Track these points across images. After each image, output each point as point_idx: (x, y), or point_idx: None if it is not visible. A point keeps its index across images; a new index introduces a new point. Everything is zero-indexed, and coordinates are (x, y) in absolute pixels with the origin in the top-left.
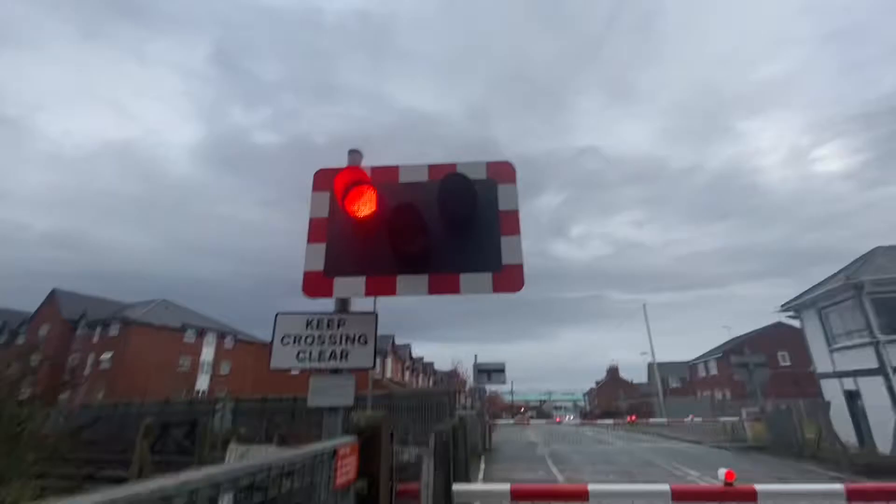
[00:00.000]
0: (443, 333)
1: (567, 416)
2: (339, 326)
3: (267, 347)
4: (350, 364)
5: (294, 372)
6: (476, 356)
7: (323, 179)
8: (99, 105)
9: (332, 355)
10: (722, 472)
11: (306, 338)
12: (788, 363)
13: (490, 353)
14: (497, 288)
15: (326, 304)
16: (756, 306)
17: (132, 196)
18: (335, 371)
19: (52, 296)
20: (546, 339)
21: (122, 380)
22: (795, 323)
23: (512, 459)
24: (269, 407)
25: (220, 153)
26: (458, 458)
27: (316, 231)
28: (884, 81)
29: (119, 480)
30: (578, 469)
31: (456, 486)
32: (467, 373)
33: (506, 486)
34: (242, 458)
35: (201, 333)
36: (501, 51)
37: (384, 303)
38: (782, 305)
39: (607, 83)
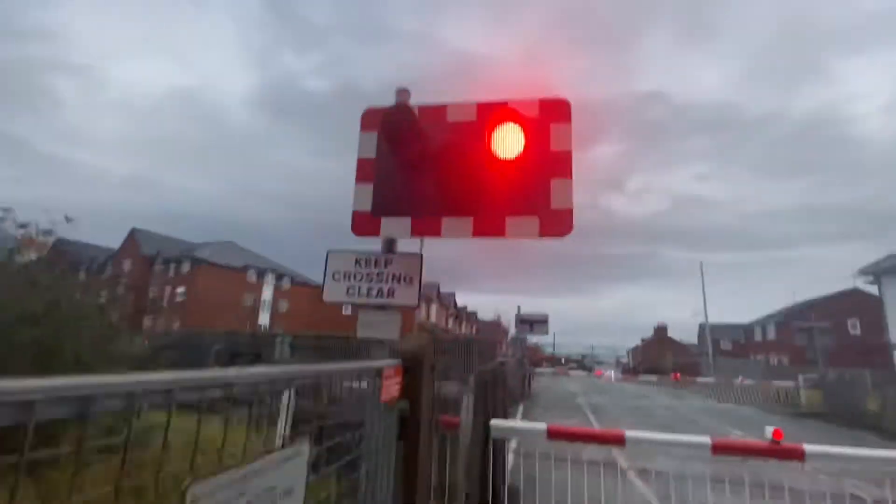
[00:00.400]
0: (487, 285)
1: (608, 371)
2: (385, 265)
3: (319, 289)
4: (395, 301)
5: (346, 311)
6: (519, 307)
7: (371, 119)
8: (161, 54)
9: (379, 292)
10: (769, 429)
11: (355, 275)
12: (859, 331)
13: (533, 306)
14: (543, 232)
15: (374, 245)
16: (828, 271)
17: (195, 143)
18: (381, 307)
19: (132, 234)
20: (592, 295)
21: (194, 312)
22: (874, 289)
23: (550, 407)
24: (322, 343)
25: (273, 100)
26: (497, 397)
27: (363, 171)
28: None
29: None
30: (617, 421)
31: (494, 422)
32: (509, 323)
33: (542, 425)
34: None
35: (261, 274)
36: None
37: (430, 251)
38: (860, 270)
39: (680, 18)
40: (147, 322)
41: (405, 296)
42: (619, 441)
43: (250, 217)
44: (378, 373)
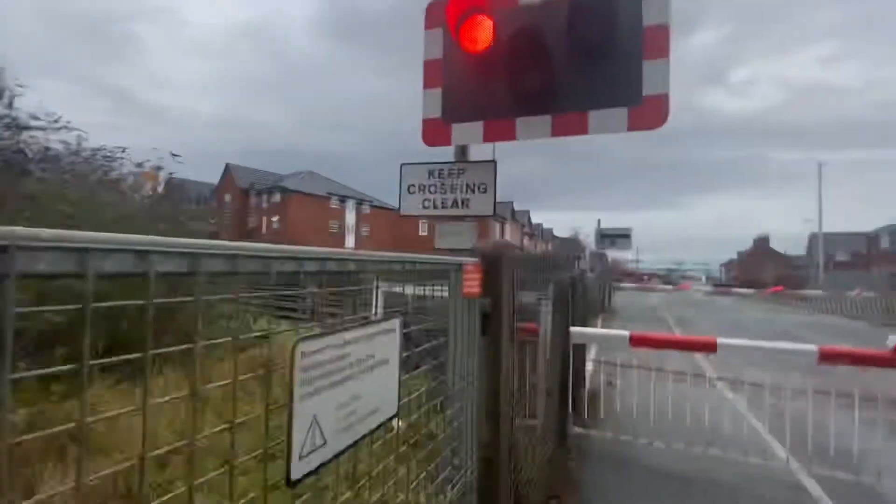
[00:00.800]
0: (563, 202)
1: (697, 284)
2: (459, 175)
3: (397, 212)
4: (471, 210)
5: (422, 231)
6: (599, 221)
7: (435, 13)
8: None
9: (454, 203)
10: (893, 338)
11: (429, 186)
12: None
13: (614, 222)
14: (634, 125)
15: (447, 155)
16: None
17: (267, 77)
18: (458, 217)
19: (227, 170)
20: (680, 208)
21: (290, 238)
22: None
23: (631, 319)
24: None
25: (335, 24)
26: (577, 306)
27: (431, 74)
28: None
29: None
30: (703, 333)
31: (574, 329)
32: (588, 239)
33: (624, 332)
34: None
35: (343, 200)
36: None
37: (504, 170)
38: None
39: None
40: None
41: (480, 205)
42: (710, 348)
43: (325, 146)
44: (458, 268)
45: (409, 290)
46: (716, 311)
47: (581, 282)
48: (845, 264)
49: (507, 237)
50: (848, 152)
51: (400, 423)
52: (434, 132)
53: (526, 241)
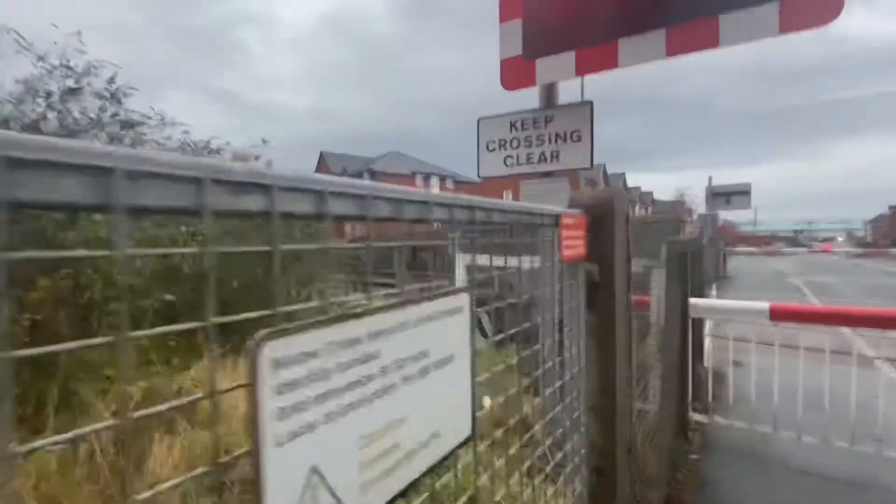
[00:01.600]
0: (662, 162)
1: (839, 247)
2: (546, 124)
3: (481, 186)
4: (562, 164)
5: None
6: (710, 178)
7: None
8: None
9: (542, 157)
10: None
11: (512, 141)
12: None
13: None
14: (788, 24)
15: (532, 101)
16: None
17: (352, 64)
18: (546, 174)
19: (322, 157)
20: (810, 159)
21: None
22: None
23: (753, 288)
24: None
25: (414, 3)
26: (694, 272)
27: (508, 3)
28: None
29: (386, 286)
30: (854, 302)
31: (693, 300)
32: (696, 201)
33: (763, 304)
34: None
35: (427, 178)
36: None
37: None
38: None
39: None
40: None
41: (574, 156)
42: (891, 323)
43: (409, 126)
44: (555, 220)
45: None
46: (864, 276)
47: (698, 244)
48: None
49: None
50: None
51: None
52: (515, 73)
53: None
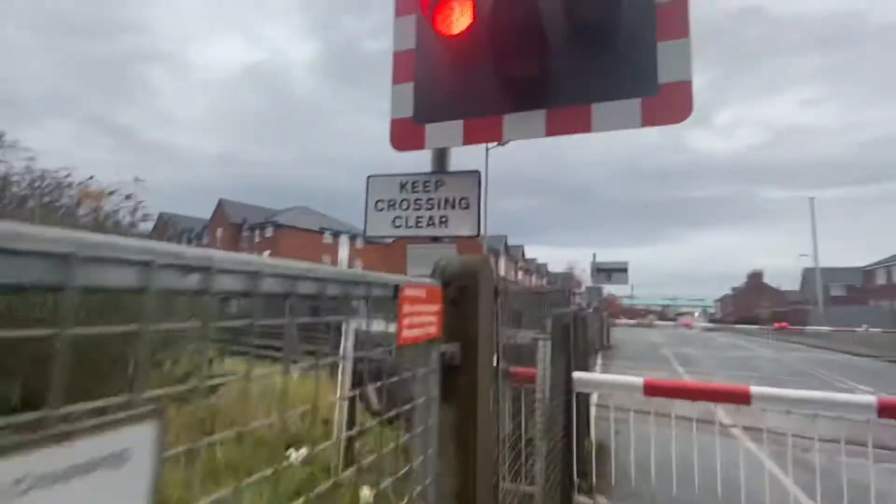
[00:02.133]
0: (556, 237)
1: (696, 321)
2: (436, 188)
3: (390, 246)
4: (450, 230)
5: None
6: (595, 255)
7: (408, 0)
8: (232, 32)
9: (430, 221)
10: None
11: (401, 202)
12: None
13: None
14: (649, 119)
15: (423, 164)
16: None
17: (268, 115)
18: (434, 239)
19: (220, 205)
20: (674, 243)
21: None
22: None
23: (632, 358)
24: None
25: (336, 65)
26: (579, 345)
27: (401, 67)
28: None
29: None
30: (711, 373)
31: (577, 374)
32: (583, 274)
33: (637, 379)
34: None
35: (336, 235)
36: None
37: (497, 205)
38: None
39: None
40: None
41: (461, 223)
42: (742, 398)
43: (323, 183)
44: (395, 293)
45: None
46: (719, 349)
47: (581, 317)
48: (840, 299)
49: (502, 272)
50: (831, 190)
51: None
52: (404, 135)
53: (520, 275)
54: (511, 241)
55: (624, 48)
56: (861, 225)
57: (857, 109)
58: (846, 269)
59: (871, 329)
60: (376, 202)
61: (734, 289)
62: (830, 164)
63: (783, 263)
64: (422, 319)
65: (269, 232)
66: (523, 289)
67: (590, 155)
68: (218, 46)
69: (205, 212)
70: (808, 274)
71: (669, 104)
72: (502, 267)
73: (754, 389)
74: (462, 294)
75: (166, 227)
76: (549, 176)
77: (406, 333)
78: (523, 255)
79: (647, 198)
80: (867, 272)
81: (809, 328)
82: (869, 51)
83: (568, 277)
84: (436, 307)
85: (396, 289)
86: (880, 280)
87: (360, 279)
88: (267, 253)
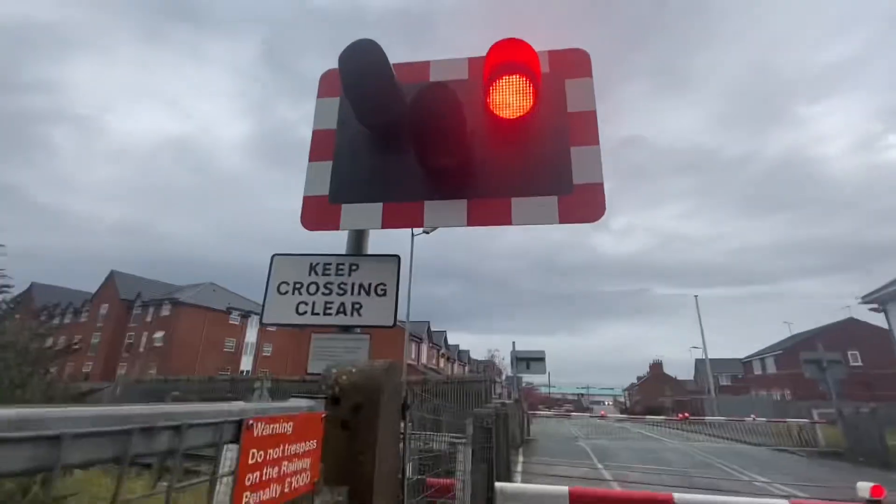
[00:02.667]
0: (477, 324)
1: (609, 412)
2: (350, 272)
3: (307, 331)
4: (364, 320)
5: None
6: (514, 343)
7: (332, 83)
8: (159, 103)
9: (342, 308)
10: (864, 486)
11: (309, 286)
12: (860, 363)
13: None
14: (566, 216)
15: (337, 246)
16: (814, 303)
17: (187, 188)
18: (345, 328)
19: (111, 277)
20: (584, 334)
21: (174, 358)
22: (873, 319)
23: (552, 453)
24: (306, 387)
25: (268, 147)
26: (501, 449)
27: (320, 146)
28: None
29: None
30: (627, 467)
31: (500, 485)
32: (504, 362)
33: (563, 489)
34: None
35: (246, 316)
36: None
37: (421, 291)
38: (863, 297)
39: (656, 68)
40: (121, 368)
41: (377, 312)
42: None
43: (240, 260)
44: (237, 431)
45: None
46: (632, 440)
47: (504, 414)
48: (727, 388)
49: (423, 360)
50: (710, 290)
51: None
52: (317, 213)
53: (443, 363)
54: (434, 327)
55: (542, 149)
56: (736, 320)
57: (720, 223)
58: (730, 360)
59: (757, 418)
60: (279, 284)
61: (639, 378)
62: (704, 267)
63: (678, 354)
64: (285, 468)
65: (165, 310)
66: (444, 379)
67: (509, 246)
68: (142, 116)
69: (92, 283)
70: (699, 364)
71: (584, 203)
72: (424, 354)
73: (677, 497)
74: (357, 415)
75: (32, 299)
76: (471, 264)
77: (244, 485)
78: (446, 341)
79: (561, 290)
80: (745, 363)
81: (708, 418)
82: (725, 176)
83: (490, 366)
84: (311, 442)
85: (239, 426)
86: (757, 370)
87: (164, 418)
88: (159, 335)
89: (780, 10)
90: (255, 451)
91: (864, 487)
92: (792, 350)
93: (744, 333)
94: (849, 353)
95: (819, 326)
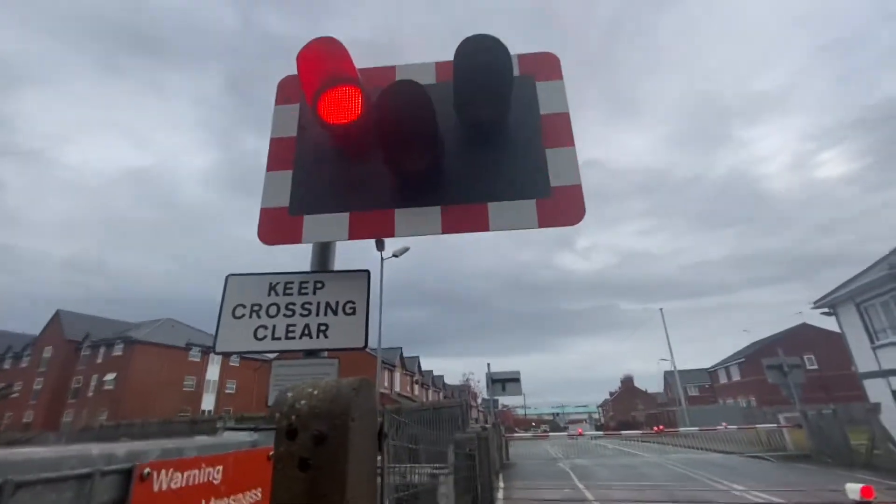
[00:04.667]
0: (450, 348)
1: (586, 430)
2: (315, 291)
3: (269, 365)
4: (331, 342)
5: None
6: (489, 364)
7: (291, 88)
8: (117, 136)
9: (306, 331)
10: (853, 487)
11: (269, 307)
12: (816, 366)
13: (500, 367)
14: (545, 220)
15: (301, 262)
16: (770, 311)
17: (146, 221)
18: (310, 353)
19: (56, 317)
20: (557, 351)
21: (127, 400)
22: (824, 323)
23: (533, 476)
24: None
25: (233, 178)
26: (484, 477)
27: (278, 154)
28: (881, 86)
29: None
30: (608, 485)
31: None
32: (479, 385)
33: None
34: None
35: (207, 352)
36: None
37: (390, 317)
38: (815, 302)
39: (608, 96)
40: (67, 416)
41: (346, 333)
42: None
43: (202, 294)
44: (125, 482)
45: None
46: (609, 457)
47: (485, 439)
48: (695, 398)
49: (397, 387)
50: (671, 303)
51: None
52: (277, 227)
53: (416, 389)
54: (406, 353)
55: (517, 152)
56: (698, 332)
57: (676, 239)
58: (696, 370)
59: (728, 427)
60: (235, 308)
61: (611, 393)
62: (666, 281)
63: (648, 367)
64: None
65: (118, 350)
66: (420, 405)
67: (479, 268)
68: (98, 149)
69: (35, 323)
70: (668, 377)
71: (563, 206)
72: (398, 382)
73: None
74: (319, 449)
75: None
76: (441, 288)
77: None
78: (419, 367)
79: (531, 309)
80: (711, 373)
81: (682, 429)
82: (676, 196)
83: (464, 390)
84: (253, 493)
85: (128, 477)
86: (723, 379)
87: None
88: (110, 377)
89: (715, 41)
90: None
91: (853, 489)
92: (753, 357)
93: (708, 344)
94: (805, 356)
95: (777, 333)
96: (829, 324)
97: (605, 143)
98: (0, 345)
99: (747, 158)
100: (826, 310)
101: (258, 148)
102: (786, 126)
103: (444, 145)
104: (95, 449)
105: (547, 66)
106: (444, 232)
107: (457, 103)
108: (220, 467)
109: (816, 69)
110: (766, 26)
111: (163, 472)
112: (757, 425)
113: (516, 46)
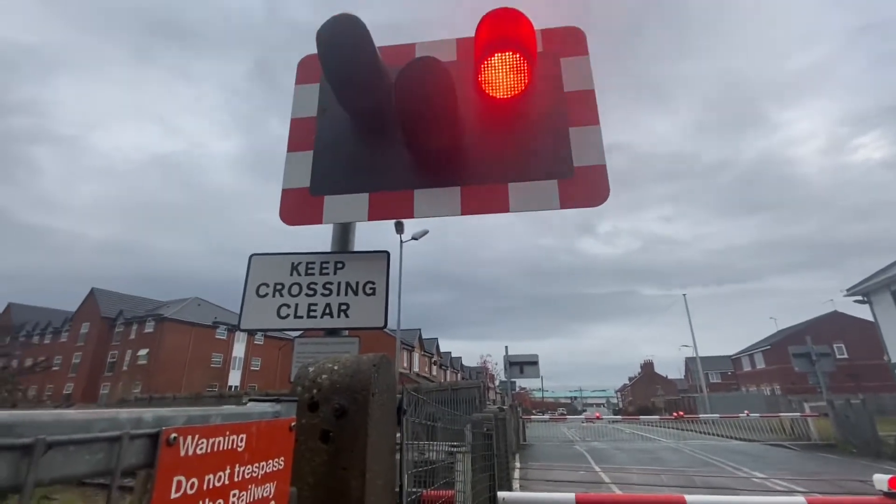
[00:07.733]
0: (469, 331)
1: (604, 414)
2: (336, 271)
3: (292, 343)
4: (352, 321)
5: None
6: (507, 347)
7: (312, 68)
8: (148, 121)
9: (328, 310)
10: (881, 478)
11: (291, 287)
12: (846, 356)
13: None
14: (567, 201)
15: (322, 243)
16: (796, 299)
17: (176, 204)
18: (331, 331)
19: (91, 295)
20: (575, 336)
21: (159, 375)
22: (857, 311)
23: (548, 457)
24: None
25: (259, 163)
26: (501, 456)
27: (299, 135)
28: None
29: None
30: (625, 468)
31: (502, 494)
32: (496, 368)
33: (570, 496)
34: None
35: (233, 330)
36: None
37: (409, 299)
38: (848, 289)
39: (635, 79)
40: (104, 388)
41: (366, 312)
42: None
43: (228, 274)
44: (152, 446)
45: None
46: (627, 441)
47: (502, 420)
48: (717, 385)
49: (416, 368)
50: (694, 289)
51: None
52: (299, 206)
53: (435, 370)
54: (425, 335)
55: (538, 131)
56: (722, 318)
57: (700, 225)
58: (718, 357)
59: (750, 414)
60: (259, 286)
61: (631, 378)
62: (689, 267)
63: (668, 353)
64: (235, 499)
65: (149, 327)
66: (438, 386)
67: (497, 253)
68: (128, 134)
69: (77, 304)
70: (689, 363)
71: (586, 186)
72: (416, 362)
73: (689, 499)
74: (341, 422)
75: (10, 318)
76: (461, 271)
77: None
78: (438, 349)
79: (550, 294)
80: (734, 360)
81: (702, 416)
82: (703, 181)
83: (482, 372)
84: (276, 461)
85: (154, 442)
86: (746, 367)
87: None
88: (143, 352)
89: (747, 23)
90: (181, 478)
91: (881, 480)
92: (779, 345)
93: (731, 331)
94: (834, 345)
95: (805, 321)
96: (863, 312)
97: (633, 125)
98: (41, 320)
99: (778, 142)
100: (859, 297)
101: (282, 133)
102: (819, 109)
103: (464, 124)
104: (124, 413)
105: (571, 41)
106: (463, 213)
107: (478, 84)
108: (244, 435)
109: (849, 52)
110: (801, 6)
111: (189, 437)
112: (780, 413)
113: (540, 20)
